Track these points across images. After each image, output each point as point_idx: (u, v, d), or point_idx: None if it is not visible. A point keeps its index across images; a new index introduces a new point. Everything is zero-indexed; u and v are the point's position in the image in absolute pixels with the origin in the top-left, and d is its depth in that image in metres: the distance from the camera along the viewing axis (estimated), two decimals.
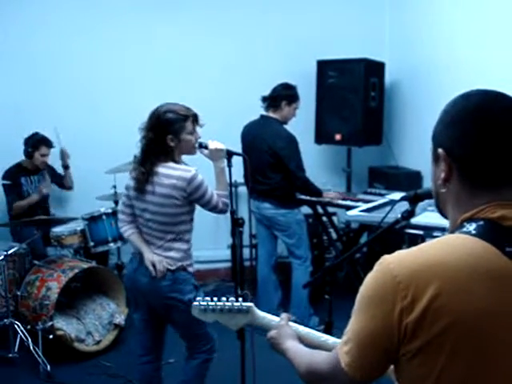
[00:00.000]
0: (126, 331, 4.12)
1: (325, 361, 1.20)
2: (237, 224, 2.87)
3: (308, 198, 4.46)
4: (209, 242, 5.14)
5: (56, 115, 4.81)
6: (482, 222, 1.05)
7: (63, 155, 4.71)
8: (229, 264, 4.66)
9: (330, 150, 5.54)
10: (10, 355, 3.73)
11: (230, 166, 2.84)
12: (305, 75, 5.05)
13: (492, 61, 3.95)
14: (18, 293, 3.96)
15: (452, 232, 1.10)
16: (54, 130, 4.55)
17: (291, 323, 1.58)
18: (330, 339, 1.56)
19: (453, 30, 4.46)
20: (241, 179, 4.30)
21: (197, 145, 2.80)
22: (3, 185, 4.49)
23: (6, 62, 4.77)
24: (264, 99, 4.32)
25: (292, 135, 4.24)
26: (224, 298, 1.69)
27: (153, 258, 2.74)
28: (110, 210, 4.36)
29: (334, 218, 5.07)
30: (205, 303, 1.69)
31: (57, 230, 4.34)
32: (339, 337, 1.18)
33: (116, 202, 4.46)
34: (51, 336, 3.77)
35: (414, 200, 1.75)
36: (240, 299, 1.69)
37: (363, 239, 4.90)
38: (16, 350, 3.74)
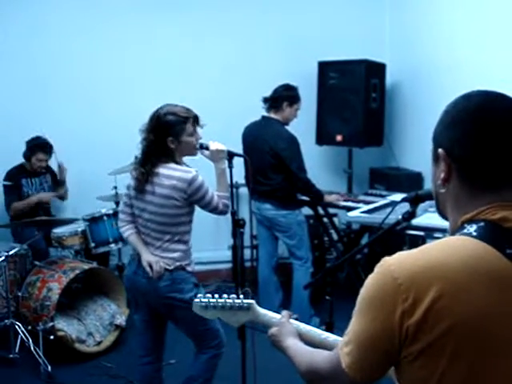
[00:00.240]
0: (126, 332, 4.12)
1: (325, 360, 1.20)
2: (237, 225, 2.87)
3: (309, 199, 4.45)
4: (209, 242, 5.14)
5: (56, 116, 4.83)
6: (482, 224, 1.05)
7: (60, 170, 4.69)
8: (230, 265, 4.66)
9: (331, 151, 5.54)
10: (11, 356, 3.72)
11: (230, 167, 2.84)
12: (306, 76, 5.05)
13: (493, 61, 3.95)
14: (19, 293, 3.96)
15: (452, 233, 1.10)
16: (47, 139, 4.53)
17: (292, 320, 1.58)
18: (330, 337, 1.57)
19: (453, 30, 4.46)
20: (242, 180, 4.30)
21: (197, 146, 2.80)
22: (4, 185, 4.50)
23: (6, 62, 4.77)
24: (265, 100, 4.32)
25: (293, 136, 4.24)
26: (225, 295, 1.69)
27: (149, 259, 2.74)
28: (110, 211, 4.36)
29: (335, 219, 5.07)
30: (206, 300, 1.69)
31: (58, 230, 4.35)
32: (340, 337, 1.18)
33: (117, 203, 4.46)
34: (52, 337, 3.77)
35: (414, 201, 1.75)
36: (241, 296, 1.69)
37: (364, 240, 4.91)
38: (17, 350, 3.74)
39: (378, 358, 1.06)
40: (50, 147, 4.52)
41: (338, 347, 1.13)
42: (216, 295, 1.69)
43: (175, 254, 2.77)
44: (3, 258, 3.74)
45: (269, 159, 4.22)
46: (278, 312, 1.66)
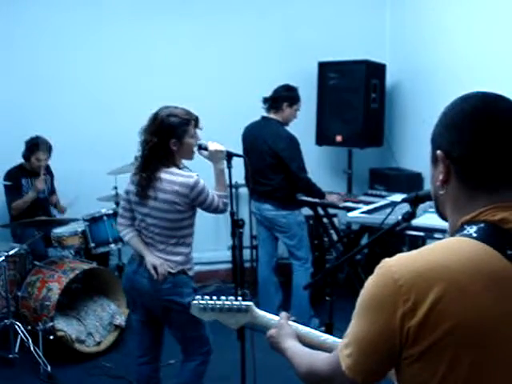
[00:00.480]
0: (126, 332, 4.12)
1: (325, 362, 1.20)
2: (237, 225, 2.88)
3: (309, 199, 4.45)
4: (209, 243, 5.14)
5: (57, 116, 4.83)
6: (482, 225, 1.05)
7: (59, 207, 4.74)
8: (229, 265, 4.65)
9: (331, 151, 5.54)
10: (11, 356, 3.73)
11: (229, 167, 2.84)
12: (306, 77, 5.05)
13: (493, 62, 3.95)
14: (19, 293, 3.97)
15: (452, 234, 1.10)
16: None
17: (291, 322, 1.58)
18: (329, 338, 1.56)
19: (453, 31, 4.46)
20: (241, 180, 4.30)
21: (196, 147, 2.81)
22: (4, 185, 4.49)
23: (10, 63, 4.77)
24: (265, 100, 4.32)
25: (293, 136, 4.24)
26: (223, 297, 1.69)
27: (154, 261, 2.74)
28: (110, 211, 4.36)
29: (335, 220, 5.06)
30: (204, 302, 1.69)
31: (58, 230, 4.35)
32: (340, 338, 1.18)
33: (117, 203, 4.45)
34: (52, 337, 3.77)
35: (414, 202, 1.75)
36: (239, 298, 1.69)
37: (364, 241, 4.90)
38: (16, 350, 3.75)
39: (378, 359, 1.06)
40: (49, 147, 4.51)
41: (338, 349, 1.13)
42: (214, 297, 1.69)
43: (178, 258, 2.78)
44: (3, 258, 3.74)
45: (268, 159, 4.22)
46: (278, 312, 1.66)
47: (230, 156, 2.83)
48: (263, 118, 4.35)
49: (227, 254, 4.38)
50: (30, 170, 4.55)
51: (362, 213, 3.85)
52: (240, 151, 3.98)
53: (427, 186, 4.51)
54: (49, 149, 4.52)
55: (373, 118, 5.12)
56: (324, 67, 5.14)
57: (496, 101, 1.09)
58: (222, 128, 4.21)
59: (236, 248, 2.90)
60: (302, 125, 4.64)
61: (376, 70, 5.10)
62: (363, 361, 1.07)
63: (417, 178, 4.87)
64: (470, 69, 4.15)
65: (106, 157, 4.68)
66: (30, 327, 3.85)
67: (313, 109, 5.15)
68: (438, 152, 1.10)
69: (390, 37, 5.53)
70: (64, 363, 3.80)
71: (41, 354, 3.68)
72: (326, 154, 5.56)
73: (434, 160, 1.13)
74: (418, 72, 5.04)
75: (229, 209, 2.87)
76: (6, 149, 4.54)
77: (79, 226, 4.37)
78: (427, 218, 3.21)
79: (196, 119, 2.78)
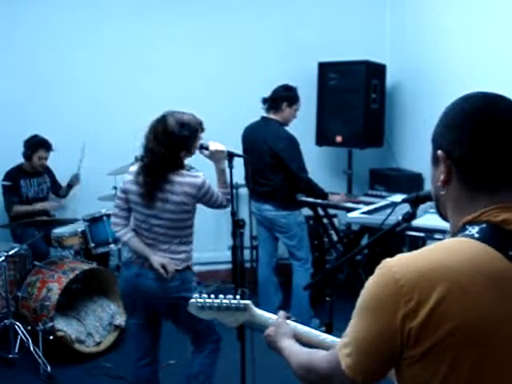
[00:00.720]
0: (126, 332, 4.11)
1: (323, 360, 1.19)
2: (237, 225, 2.89)
3: (310, 199, 4.44)
4: (209, 243, 5.14)
5: (58, 116, 4.83)
6: (485, 226, 1.05)
7: (74, 180, 4.73)
8: (229, 265, 4.64)
9: (331, 151, 5.53)
10: (11, 356, 3.73)
11: (230, 167, 2.86)
12: (306, 77, 5.05)
13: (493, 62, 3.95)
14: (19, 294, 3.97)
15: (453, 235, 1.10)
16: (81, 149, 4.56)
17: (289, 321, 1.58)
18: (328, 338, 1.56)
19: (454, 31, 4.46)
20: (242, 180, 4.30)
21: (198, 147, 2.82)
22: (3, 186, 4.49)
23: (10, 63, 4.77)
24: (264, 101, 4.32)
25: (293, 136, 4.23)
26: (221, 296, 1.69)
27: (161, 260, 2.74)
28: (110, 211, 4.34)
29: (335, 220, 5.06)
30: (202, 300, 1.69)
31: (58, 231, 4.35)
32: (339, 338, 1.17)
33: None
34: (51, 337, 3.77)
35: (415, 202, 1.74)
36: (237, 297, 1.69)
37: (364, 241, 4.90)
38: (16, 350, 3.74)
39: (378, 359, 1.05)
40: (49, 145, 4.52)
41: (337, 348, 1.12)
42: (212, 295, 1.69)
43: (182, 255, 2.79)
44: (3, 258, 3.74)
45: (268, 160, 4.21)
46: (278, 312, 1.65)
47: (230, 156, 2.85)
48: (263, 118, 4.35)
49: (227, 255, 4.37)
50: (30, 170, 4.56)
51: (362, 213, 3.85)
52: (240, 151, 3.97)
53: (427, 186, 4.51)
54: (49, 147, 4.53)
55: (373, 119, 5.11)
56: (324, 67, 5.14)
57: (497, 101, 1.09)
58: (222, 128, 4.19)
59: (236, 248, 2.90)
60: (302, 125, 4.64)
61: (376, 71, 5.10)
62: (363, 360, 1.06)
63: (417, 179, 4.87)
64: (471, 69, 4.15)
65: (105, 157, 4.68)
66: (29, 327, 3.84)
67: (313, 109, 5.15)
68: (439, 152, 1.10)
69: (390, 37, 5.53)
70: (64, 363, 3.80)
71: (41, 354, 3.68)
72: (326, 154, 5.56)
73: (435, 160, 1.13)
74: (419, 72, 5.04)
75: (229, 208, 2.89)
76: (6, 149, 4.55)
77: (79, 226, 4.37)
78: (427, 218, 3.20)
79: (201, 124, 2.79)
